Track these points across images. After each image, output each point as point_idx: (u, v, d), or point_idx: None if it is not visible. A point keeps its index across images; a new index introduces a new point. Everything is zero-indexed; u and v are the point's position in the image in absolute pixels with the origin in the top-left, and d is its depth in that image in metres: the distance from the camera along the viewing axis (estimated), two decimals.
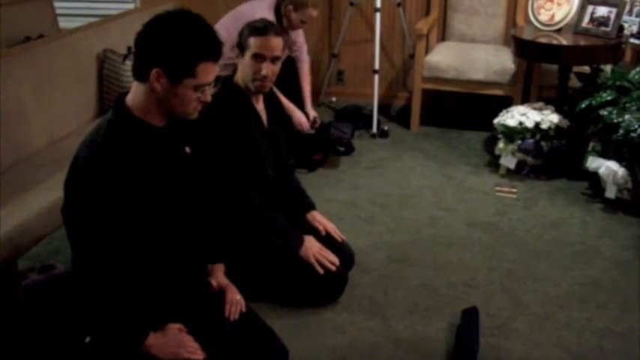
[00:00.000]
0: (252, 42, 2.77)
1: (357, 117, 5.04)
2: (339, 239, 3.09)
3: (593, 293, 3.05)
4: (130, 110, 2.03)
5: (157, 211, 2.05)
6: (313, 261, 2.81)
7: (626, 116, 3.72)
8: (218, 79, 2.13)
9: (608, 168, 3.79)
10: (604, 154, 3.89)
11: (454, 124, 5.14)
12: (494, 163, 4.36)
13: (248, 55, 2.78)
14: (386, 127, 4.95)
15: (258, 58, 2.76)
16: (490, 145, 4.58)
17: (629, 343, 2.72)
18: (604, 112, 3.84)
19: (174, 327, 2.13)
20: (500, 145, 4.24)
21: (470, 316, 2.76)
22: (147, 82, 1.97)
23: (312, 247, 2.85)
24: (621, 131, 3.70)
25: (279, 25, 4.15)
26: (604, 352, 2.67)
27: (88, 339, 2.12)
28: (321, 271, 2.81)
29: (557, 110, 4.23)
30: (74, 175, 1.99)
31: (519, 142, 4.15)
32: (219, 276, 2.43)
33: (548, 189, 4.08)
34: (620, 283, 3.13)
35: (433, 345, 2.68)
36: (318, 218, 3.12)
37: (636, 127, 3.64)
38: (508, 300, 2.98)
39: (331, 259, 2.86)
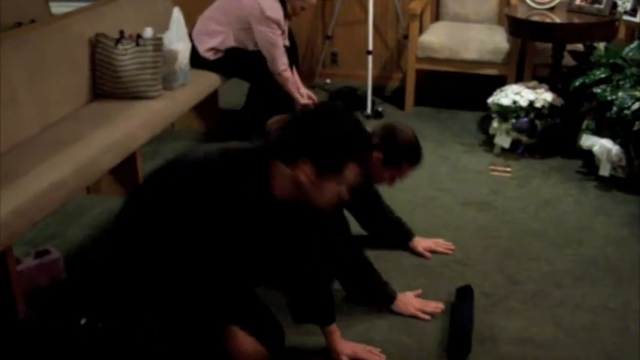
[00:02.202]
0: (405, 168, 2.81)
1: (352, 98, 5.03)
2: (450, 251, 3.18)
3: (588, 271, 3.06)
4: (266, 170, 2.00)
5: (231, 261, 2.03)
6: (414, 312, 2.74)
7: (620, 94, 3.72)
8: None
9: (602, 146, 3.80)
10: (598, 132, 3.89)
11: (448, 104, 5.14)
12: (488, 143, 4.36)
13: (394, 172, 2.80)
14: (380, 108, 4.94)
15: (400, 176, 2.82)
16: (484, 124, 4.58)
17: (623, 320, 2.73)
18: (598, 90, 3.84)
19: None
20: (495, 124, 4.24)
21: (464, 294, 2.77)
22: (291, 167, 1.97)
23: (410, 301, 2.78)
24: (615, 109, 3.69)
25: (285, 12, 4.20)
26: (598, 328, 2.68)
27: (83, 321, 2.13)
28: (427, 318, 2.72)
29: (551, 89, 4.22)
30: (172, 176, 1.98)
31: (513, 121, 4.15)
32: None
33: (543, 167, 4.09)
34: (614, 261, 3.15)
35: (428, 324, 2.69)
36: (423, 244, 3.17)
37: (630, 104, 3.64)
38: (503, 278, 2.99)
39: (433, 306, 2.79)
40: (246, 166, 1.98)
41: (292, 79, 4.27)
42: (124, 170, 3.52)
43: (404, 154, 2.79)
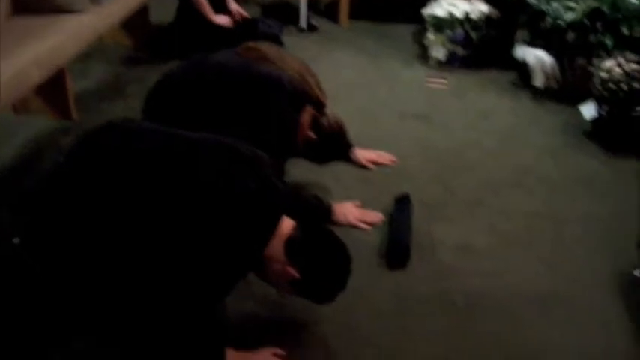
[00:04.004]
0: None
1: (285, 12, 4.93)
2: (392, 163, 3.18)
3: (523, 179, 3.11)
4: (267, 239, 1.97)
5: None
6: (354, 222, 2.74)
7: (554, 4, 3.73)
8: None
9: (536, 57, 3.82)
10: (532, 44, 3.92)
11: (384, 17, 5.07)
12: (424, 56, 4.35)
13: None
14: (314, 22, 4.85)
15: None
16: (420, 37, 4.55)
17: (555, 225, 2.80)
18: (532, 1, 3.83)
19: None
20: (430, 36, 4.22)
21: (403, 204, 2.79)
22: (286, 260, 1.98)
23: (349, 211, 2.77)
24: (549, 19, 3.71)
25: None
26: (532, 233, 2.75)
27: (16, 240, 2.06)
28: (367, 227, 2.73)
29: (487, 0, 4.20)
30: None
31: (449, 33, 4.13)
32: None
33: (478, 79, 4.10)
34: (548, 168, 3.20)
35: (367, 234, 2.70)
36: (364, 155, 3.16)
37: (563, 14, 3.65)
38: (440, 188, 3.02)
39: (373, 216, 2.78)
40: (258, 224, 1.95)
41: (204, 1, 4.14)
42: (52, 87, 3.40)
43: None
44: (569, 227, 2.79)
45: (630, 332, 2.26)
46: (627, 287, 2.45)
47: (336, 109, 3.50)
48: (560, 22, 3.67)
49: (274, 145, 2.35)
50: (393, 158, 3.20)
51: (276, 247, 1.99)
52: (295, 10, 4.87)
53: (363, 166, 3.13)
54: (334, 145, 2.87)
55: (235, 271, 2.00)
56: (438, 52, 4.18)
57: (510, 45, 4.05)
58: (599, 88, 3.32)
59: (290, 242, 2.00)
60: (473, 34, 4.11)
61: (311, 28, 4.81)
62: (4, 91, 2.77)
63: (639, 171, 3.21)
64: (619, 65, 3.30)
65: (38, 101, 3.54)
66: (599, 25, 3.60)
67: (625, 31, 3.50)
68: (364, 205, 2.84)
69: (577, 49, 3.71)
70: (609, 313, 2.35)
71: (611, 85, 3.27)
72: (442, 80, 4.05)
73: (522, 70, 4.00)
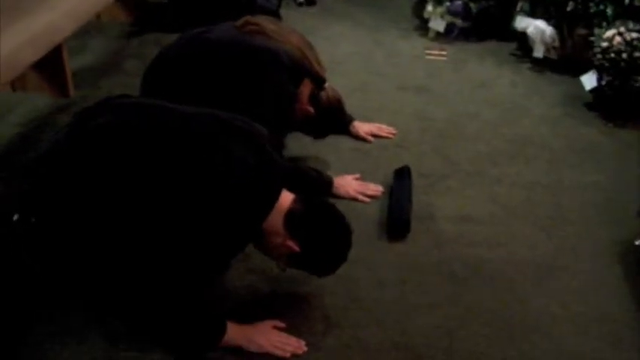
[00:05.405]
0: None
1: None
2: (391, 135, 3.18)
3: (523, 149, 3.11)
4: (267, 210, 1.97)
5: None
6: (355, 194, 2.73)
7: None
8: None
9: (536, 27, 3.80)
10: (532, 14, 3.89)
11: None
12: (423, 27, 4.32)
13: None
14: None
15: None
16: (419, 9, 4.52)
17: (555, 195, 2.80)
18: None
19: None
20: (429, 8, 4.19)
21: (402, 175, 2.78)
22: (286, 235, 1.98)
23: (349, 184, 2.77)
24: None
25: None
26: (532, 203, 2.75)
27: (16, 217, 2.06)
28: (367, 200, 2.73)
29: None
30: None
31: (448, 4, 4.11)
32: None
33: (478, 50, 4.08)
34: (547, 139, 3.20)
35: (367, 206, 2.69)
36: (364, 128, 3.16)
37: None
38: (440, 159, 3.01)
39: (373, 188, 2.78)
40: (259, 202, 1.96)
41: None
42: (50, 65, 3.37)
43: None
44: (569, 197, 2.79)
45: (630, 302, 2.26)
46: (627, 256, 2.45)
47: (335, 82, 3.48)
48: None
49: (272, 119, 2.35)
50: (393, 130, 3.19)
51: (275, 220, 1.99)
52: None
53: (362, 139, 3.13)
54: (332, 120, 2.86)
55: (234, 244, 2.00)
56: (437, 24, 4.16)
57: (510, 15, 4.02)
58: (600, 57, 3.30)
59: (290, 215, 2.00)
60: (472, 5, 4.09)
61: (309, 1, 4.78)
62: (1, 70, 2.76)
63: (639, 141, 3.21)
64: (620, 34, 3.27)
65: (36, 79, 3.52)
66: None
67: None
68: (364, 177, 2.84)
69: (577, 19, 3.68)
70: (609, 282, 2.35)
71: (612, 54, 3.25)
72: (441, 52, 4.03)
73: (522, 40, 3.98)
